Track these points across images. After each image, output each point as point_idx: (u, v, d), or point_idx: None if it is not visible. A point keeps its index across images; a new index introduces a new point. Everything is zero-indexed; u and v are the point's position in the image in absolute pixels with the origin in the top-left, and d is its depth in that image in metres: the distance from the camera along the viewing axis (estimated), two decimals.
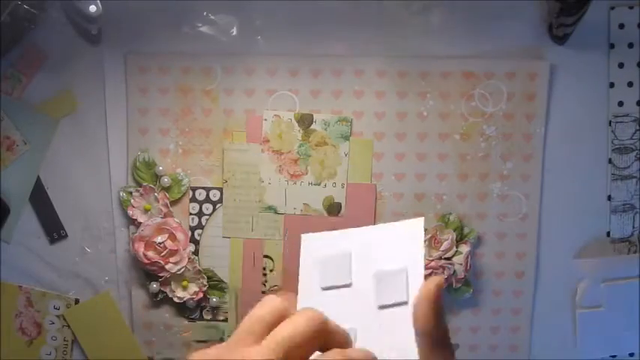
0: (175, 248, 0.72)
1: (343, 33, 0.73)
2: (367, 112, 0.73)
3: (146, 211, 0.73)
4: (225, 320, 0.75)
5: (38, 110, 0.73)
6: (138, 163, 0.73)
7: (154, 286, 0.73)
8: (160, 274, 0.72)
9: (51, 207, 0.74)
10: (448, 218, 0.74)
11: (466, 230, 0.74)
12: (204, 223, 0.74)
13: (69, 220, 0.74)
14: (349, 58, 0.73)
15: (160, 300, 0.74)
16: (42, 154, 0.73)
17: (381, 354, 0.48)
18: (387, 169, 0.74)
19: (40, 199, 0.74)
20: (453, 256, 0.73)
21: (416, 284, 0.50)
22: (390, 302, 0.49)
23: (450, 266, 0.72)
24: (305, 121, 0.73)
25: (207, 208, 0.74)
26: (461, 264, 0.72)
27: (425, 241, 0.73)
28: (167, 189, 0.73)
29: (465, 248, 0.73)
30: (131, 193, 0.73)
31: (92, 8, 0.63)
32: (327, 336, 0.40)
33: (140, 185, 0.73)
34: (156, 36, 0.72)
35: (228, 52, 0.73)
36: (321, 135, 0.73)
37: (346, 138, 0.73)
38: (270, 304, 0.41)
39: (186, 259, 0.73)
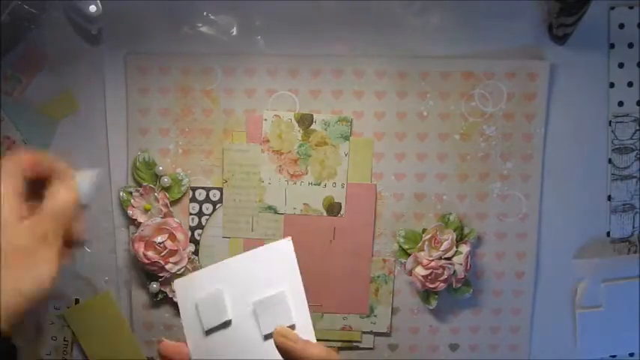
0: (175, 248, 0.72)
1: (343, 33, 0.73)
2: (367, 112, 0.73)
3: (146, 211, 0.73)
4: None
5: (38, 110, 0.73)
6: (138, 163, 0.73)
7: (154, 286, 0.73)
8: (160, 274, 0.72)
9: None
10: (448, 218, 0.74)
11: (466, 230, 0.74)
12: (204, 223, 0.74)
13: None
14: (349, 58, 0.73)
15: (159, 300, 0.74)
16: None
17: None
18: (387, 169, 0.74)
19: None
20: (453, 256, 0.73)
21: (299, 304, 0.51)
22: (274, 330, 0.50)
23: (450, 266, 0.72)
24: (305, 121, 0.73)
25: (207, 208, 0.74)
26: (461, 264, 0.72)
27: (425, 242, 0.73)
28: (167, 189, 0.73)
29: (465, 248, 0.73)
30: (131, 193, 0.73)
31: (92, 8, 0.63)
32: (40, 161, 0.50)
33: (140, 185, 0.73)
34: (156, 36, 0.72)
35: (228, 52, 0.73)
36: (321, 135, 0.73)
37: (346, 138, 0.73)
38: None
39: (186, 259, 0.73)
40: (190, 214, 0.74)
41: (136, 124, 0.73)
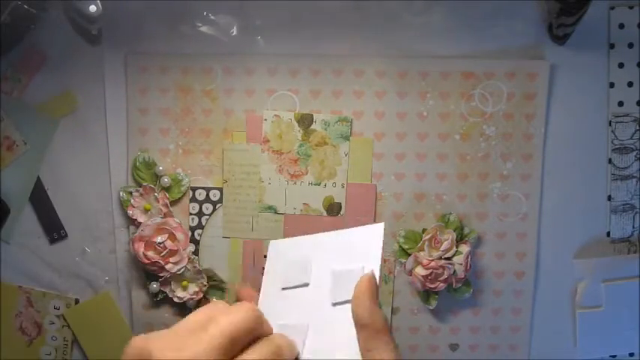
0: (175, 248, 0.72)
1: (343, 33, 0.73)
2: (367, 112, 0.73)
3: (146, 211, 0.73)
4: None
5: (38, 110, 0.73)
6: (138, 163, 0.73)
7: (154, 286, 0.73)
8: (160, 274, 0.72)
9: (51, 207, 0.74)
10: (448, 218, 0.74)
11: (466, 230, 0.74)
12: (204, 223, 0.74)
13: (69, 220, 0.74)
14: (349, 58, 0.73)
15: (159, 300, 0.74)
16: (42, 154, 0.73)
17: (328, 353, 0.49)
18: (387, 169, 0.74)
19: (40, 199, 0.74)
20: (453, 256, 0.73)
21: None
22: (344, 299, 0.50)
23: (450, 266, 0.72)
24: (305, 121, 0.73)
25: (207, 208, 0.74)
26: (461, 264, 0.72)
27: (425, 242, 0.73)
28: (167, 189, 0.73)
29: (465, 248, 0.73)
30: (131, 193, 0.73)
31: (92, 8, 0.63)
32: (260, 329, 0.45)
33: (140, 185, 0.73)
34: (156, 36, 0.72)
35: (228, 52, 0.73)
36: (321, 135, 0.73)
37: (346, 138, 0.73)
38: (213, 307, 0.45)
39: (186, 259, 0.73)
40: (190, 214, 0.74)
41: (136, 124, 0.73)
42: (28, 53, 0.72)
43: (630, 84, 0.74)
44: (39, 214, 0.74)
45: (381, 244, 0.52)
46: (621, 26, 0.74)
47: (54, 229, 0.74)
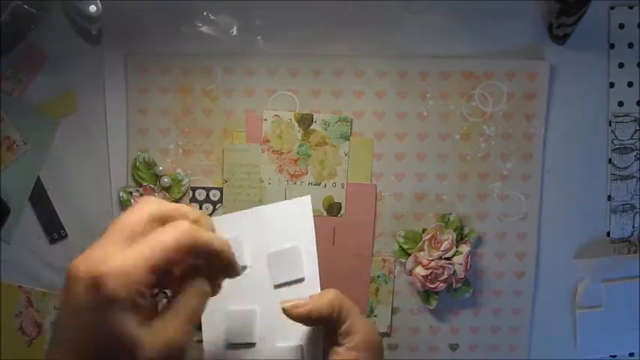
0: None
1: (343, 33, 0.73)
2: (367, 112, 0.73)
3: None
4: None
5: (38, 110, 0.73)
6: (138, 163, 0.73)
7: None
8: None
9: (51, 207, 0.74)
10: (448, 218, 0.74)
11: (466, 230, 0.74)
12: None
13: (69, 220, 0.74)
14: (349, 58, 0.73)
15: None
16: (42, 154, 0.73)
17: (279, 334, 0.52)
18: (387, 169, 0.74)
19: (40, 199, 0.74)
20: (453, 256, 0.73)
21: (310, 260, 0.54)
22: (286, 280, 0.53)
23: (450, 266, 0.72)
24: (305, 121, 0.73)
25: (207, 208, 0.74)
26: (461, 264, 0.72)
27: (425, 242, 0.73)
28: (167, 189, 0.73)
29: (465, 248, 0.73)
30: (131, 193, 0.73)
31: (92, 8, 0.63)
32: (198, 250, 0.43)
33: (140, 185, 0.73)
34: (156, 36, 0.72)
35: (228, 52, 0.73)
36: (321, 135, 0.73)
37: (346, 138, 0.73)
38: (147, 206, 0.42)
39: None
40: None
41: (136, 124, 0.73)
42: (28, 53, 0.72)
43: (630, 84, 0.74)
44: (39, 214, 0.74)
45: (312, 218, 0.54)
46: (621, 26, 0.74)
47: (54, 229, 0.74)
